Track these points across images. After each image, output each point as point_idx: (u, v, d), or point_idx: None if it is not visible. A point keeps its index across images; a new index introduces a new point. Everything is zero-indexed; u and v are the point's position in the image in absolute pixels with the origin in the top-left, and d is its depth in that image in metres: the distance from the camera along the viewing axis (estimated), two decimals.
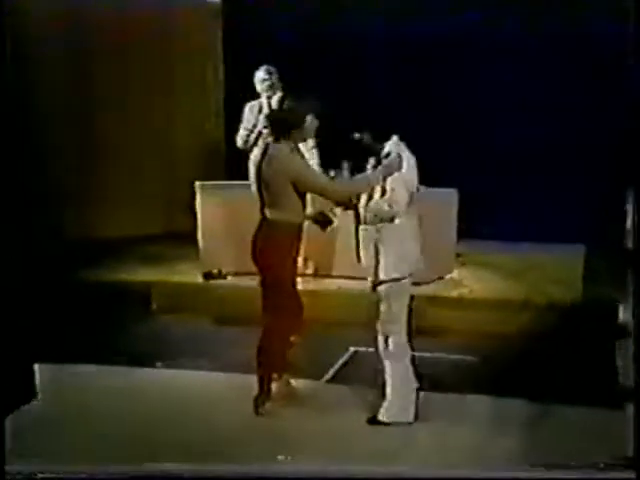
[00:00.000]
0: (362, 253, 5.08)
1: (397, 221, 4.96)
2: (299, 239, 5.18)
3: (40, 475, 4.21)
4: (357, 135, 5.09)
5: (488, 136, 8.23)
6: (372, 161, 5.16)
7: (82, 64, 8.80)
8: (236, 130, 7.39)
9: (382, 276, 4.97)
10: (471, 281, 7.38)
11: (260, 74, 7.32)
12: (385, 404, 5.06)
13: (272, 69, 7.31)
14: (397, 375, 5.05)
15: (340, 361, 6.04)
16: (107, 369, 5.86)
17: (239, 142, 7.36)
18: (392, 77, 8.45)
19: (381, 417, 5.05)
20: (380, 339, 5.06)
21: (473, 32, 8.17)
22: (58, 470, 4.28)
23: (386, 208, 4.93)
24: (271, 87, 7.28)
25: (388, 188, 4.97)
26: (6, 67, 4.37)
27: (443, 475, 4.44)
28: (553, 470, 4.30)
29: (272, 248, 5.08)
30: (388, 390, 5.05)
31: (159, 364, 6.04)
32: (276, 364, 5.27)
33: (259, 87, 7.36)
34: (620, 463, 4.21)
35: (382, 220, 4.96)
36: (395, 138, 5.08)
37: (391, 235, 4.99)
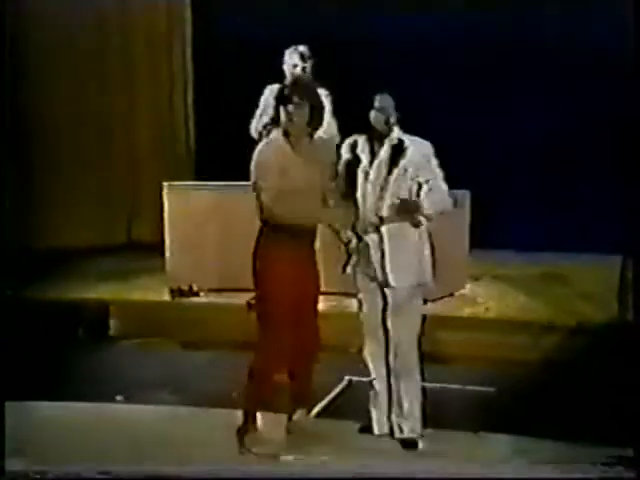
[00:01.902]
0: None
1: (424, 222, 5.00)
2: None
3: (37, 475, 4.34)
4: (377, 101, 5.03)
5: (506, 130, 8.28)
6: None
7: (33, 60, 8.95)
8: (207, 128, 7.33)
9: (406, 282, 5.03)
10: (487, 298, 7.37)
11: (293, 58, 6.96)
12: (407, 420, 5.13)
13: (307, 52, 6.97)
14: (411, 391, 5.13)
15: (333, 392, 5.95)
16: (55, 405, 5.69)
17: (252, 131, 7.05)
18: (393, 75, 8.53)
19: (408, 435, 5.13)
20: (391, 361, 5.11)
21: (480, 29, 8.51)
22: (57, 470, 4.43)
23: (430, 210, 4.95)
24: (293, 71, 6.92)
25: (423, 182, 4.98)
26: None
27: (443, 475, 4.55)
28: (553, 470, 4.49)
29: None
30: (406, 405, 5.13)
31: (119, 398, 5.92)
32: (263, 397, 5.15)
33: (287, 71, 7.00)
34: (620, 463, 4.41)
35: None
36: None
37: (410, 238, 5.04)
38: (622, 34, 6.81)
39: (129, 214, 9.39)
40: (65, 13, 8.96)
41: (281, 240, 4.98)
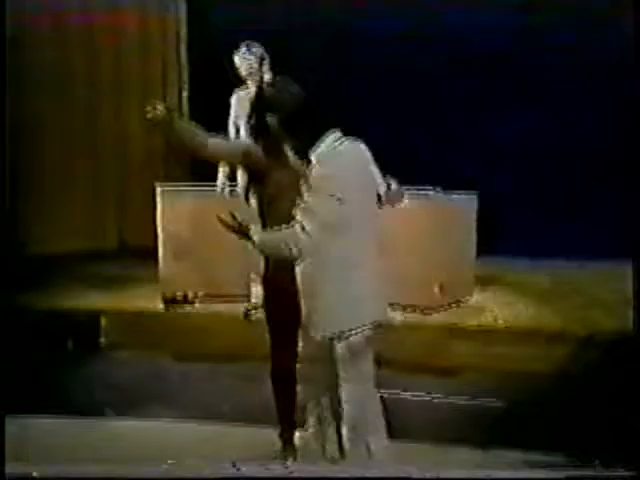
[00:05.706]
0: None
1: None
2: None
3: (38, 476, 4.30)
4: None
5: (516, 135, 8.29)
6: None
7: (21, 56, 8.84)
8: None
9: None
10: (495, 307, 7.35)
11: (240, 57, 7.05)
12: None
13: (253, 49, 7.04)
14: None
15: None
16: (41, 422, 5.69)
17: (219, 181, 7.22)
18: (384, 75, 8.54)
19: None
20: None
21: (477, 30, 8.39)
22: (57, 471, 4.36)
23: (301, 236, 4.07)
24: (250, 73, 7.04)
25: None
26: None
27: (443, 475, 4.53)
28: (553, 470, 4.54)
29: None
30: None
31: (109, 411, 5.95)
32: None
33: (242, 73, 7.09)
34: (620, 463, 4.41)
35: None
36: (334, 136, 4.19)
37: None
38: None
39: (120, 218, 9.37)
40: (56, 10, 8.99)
41: None
